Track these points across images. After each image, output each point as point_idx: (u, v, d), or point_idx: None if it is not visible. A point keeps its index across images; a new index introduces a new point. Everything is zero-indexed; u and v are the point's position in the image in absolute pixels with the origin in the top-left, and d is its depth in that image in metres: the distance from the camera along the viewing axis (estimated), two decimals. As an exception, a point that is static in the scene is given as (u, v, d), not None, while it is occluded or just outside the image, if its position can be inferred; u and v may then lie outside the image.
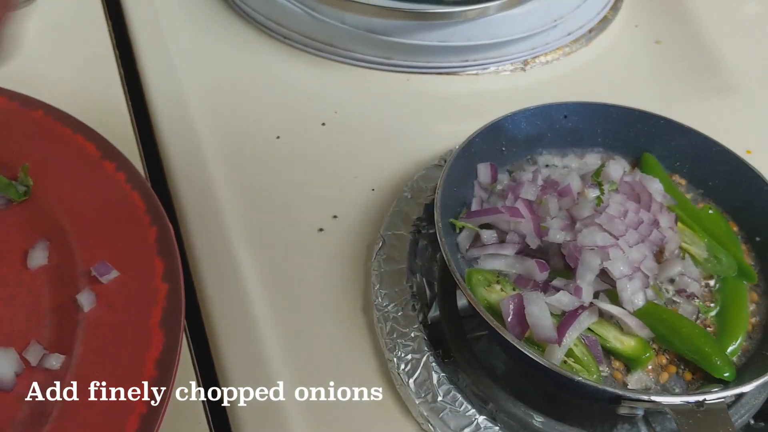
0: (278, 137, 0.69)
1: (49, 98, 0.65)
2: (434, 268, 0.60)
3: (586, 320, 0.51)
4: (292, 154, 0.68)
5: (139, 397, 0.47)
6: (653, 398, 0.46)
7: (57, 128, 0.62)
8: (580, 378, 0.47)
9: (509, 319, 0.50)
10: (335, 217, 0.63)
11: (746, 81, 0.80)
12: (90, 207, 0.57)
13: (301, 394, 0.52)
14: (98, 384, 0.47)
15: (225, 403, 0.52)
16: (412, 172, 0.66)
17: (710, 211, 0.60)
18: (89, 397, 0.47)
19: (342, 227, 0.62)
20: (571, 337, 0.50)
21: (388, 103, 0.74)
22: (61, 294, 0.53)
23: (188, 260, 0.59)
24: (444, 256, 0.52)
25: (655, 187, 0.57)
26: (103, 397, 0.47)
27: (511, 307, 0.51)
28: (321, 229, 0.62)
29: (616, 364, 0.51)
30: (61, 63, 0.74)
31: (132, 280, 0.53)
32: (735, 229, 0.60)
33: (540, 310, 0.50)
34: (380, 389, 0.53)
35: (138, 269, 0.53)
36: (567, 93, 0.75)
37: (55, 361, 0.49)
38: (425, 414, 0.50)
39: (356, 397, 0.52)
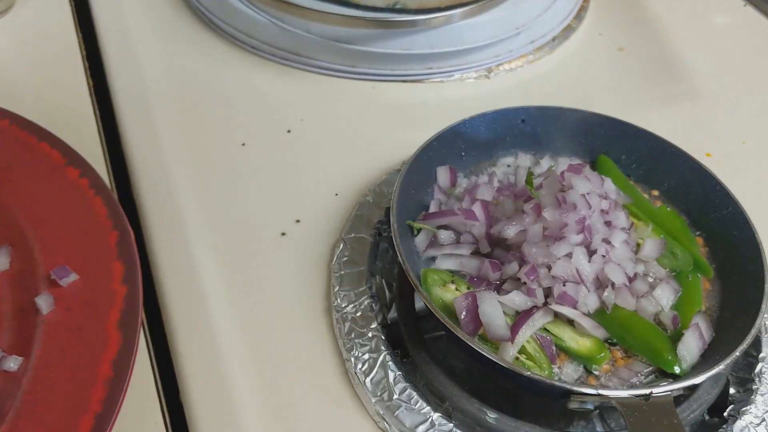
0: (243, 144, 0.70)
1: (17, 108, 0.65)
2: (394, 270, 0.61)
3: (540, 319, 0.52)
4: (257, 161, 0.69)
5: (94, 396, 0.47)
6: (600, 392, 0.46)
7: (23, 137, 0.63)
8: (529, 373, 0.47)
9: (463, 317, 0.51)
10: (298, 221, 0.64)
11: (706, 87, 0.81)
12: (53, 212, 0.58)
13: (259, 392, 0.53)
14: (55, 384, 0.48)
15: (182, 400, 0.52)
16: (376, 177, 0.67)
17: (667, 209, 0.61)
18: (45, 396, 0.47)
19: (305, 231, 0.63)
20: (524, 335, 0.51)
21: (353, 111, 0.75)
22: (22, 298, 0.53)
23: (150, 264, 0.59)
24: (398, 256, 0.53)
25: (608, 186, 0.58)
26: (59, 397, 0.47)
27: (465, 305, 0.52)
28: (284, 233, 0.63)
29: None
30: (31, 73, 0.75)
31: (91, 283, 0.53)
32: (690, 227, 0.61)
33: (493, 309, 0.51)
34: (338, 388, 0.53)
35: (97, 272, 0.54)
36: (531, 100, 0.76)
37: (13, 363, 0.49)
38: (381, 412, 0.51)
39: (314, 396, 0.53)
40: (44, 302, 0.52)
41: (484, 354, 0.48)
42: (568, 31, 0.85)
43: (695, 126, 0.77)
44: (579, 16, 0.87)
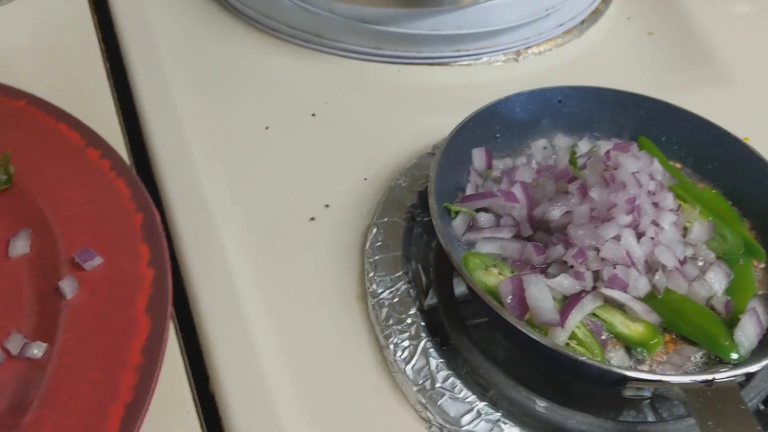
0: (267, 128, 0.67)
1: (34, 90, 0.63)
2: (429, 255, 0.58)
3: (589, 304, 0.49)
4: (281, 145, 0.66)
5: (123, 384, 0.44)
6: (662, 378, 0.44)
7: (40, 117, 0.60)
8: (584, 358, 0.45)
9: (509, 301, 0.49)
10: (327, 206, 0.61)
11: (739, 71, 0.79)
12: (73, 195, 0.55)
13: (294, 383, 0.50)
14: (81, 371, 0.45)
15: (213, 391, 0.50)
16: (405, 161, 0.65)
17: (713, 191, 0.59)
18: (71, 384, 0.45)
19: (334, 216, 0.61)
20: (574, 319, 0.48)
21: (378, 95, 0.73)
22: (43, 283, 0.51)
23: (174, 249, 0.57)
24: (440, 239, 0.51)
25: (656, 166, 0.55)
26: (86, 385, 0.45)
27: (510, 288, 0.49)
28: (313, 218, 0.60)
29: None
30: (46, 57, 0.72)
31: (116, 266, 0.51)
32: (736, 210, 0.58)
33: (541, 292, 0.49)
34: (376, 377, 0.51)
35: (122, 256, 0.51)
36: (560, 83, 0.73)
37: (37, 350, 0.47)
38: (423, 401, 0.48)
39: (351, 386, 0.50)
40: (68, 286, 0.49)
41: (536, 339, 0.45)
42: (596, 14, 0.83)
43: (730, 110, 0.74)
44: (606, -1, 0.85)
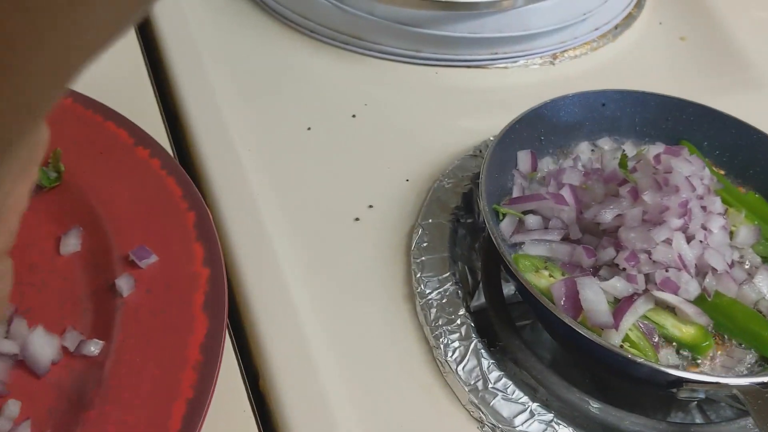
0: (309, 128, 0.68)
1: (76, 87, 0.63)
2: (473, 256, 0.59)
3: (642, 306, 0.50)
4: (323, 145, 0.67)
5: (184, 381, 0.45)
6: (719, 380, 0.44)
7: (87, 115, 0.61)
8: (642, 360, 0.45)
9: (562, 303, 0.49)
10: (371, 206, 0.62)
11: (774, 76, 0.79)
12: (124, 192, 0.56)
13: (345, 381, 0.51)
14: (142, 369, 0.46)
15: (265, 389, 0.50)
16: (446, 163, 0.65)
17: (756, 195, 0.59)
18: (131, 381, 0.45)
19: (378, 217, 0.61)
20: (627, 322, 0.49)
21: (417, 97, 0.73)
22: (97, 280, 0.51)
23: (224, 248, 0.57)
24: (494, 241, 0.51)
25: (705, 170, 0.55)
26: (147, 383, 0.45)
27: (564, 291, 0.50)
28: (357, 219, 0.61)
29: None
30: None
31: (171, 265, 0.51)
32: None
33: (595, 295, 0.49)
34: (427, 377, 0.51)
35: (177, 254, 0.52)
36: (596, 87, 0.73)
37: (94, 347, 0.47)
38: (475, 401, 0.49)
39: (402, 384, 0.51)
40: (125, 284, 0.49)
41: (593, 340, 0.46)
42: (630, 19, 0.83)
43: (764, 115, 0.75)
44: (639, 4, 0.85)
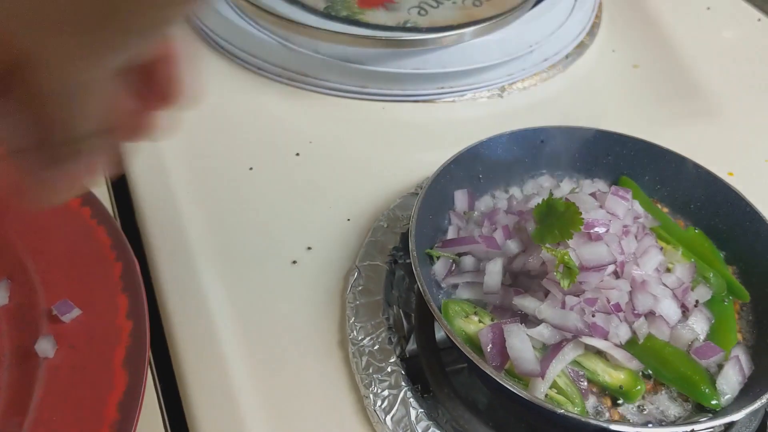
0: (251, 168, 0.67)
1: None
2: (411, 299, 0.58)
3: (570, 353, 0.49)
4: (265, 186, 0.66)
5: (99, 442, 0.44)
6: (640, 430, 0.44)
7: (21, 163, 0.60)
8: (562, 411, 0.44)
9: (489, 350, 0.49)
10: (309, 248, 0.61)
11: (724, 104, 0.79)
12: (54, 243, 0.55)
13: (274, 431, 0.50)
14: (58, 428, 0.45)
15: (193, 446, 0.49)
16: (389, 201, 0.65)
17: (695, 231, 0.59)
18: (47, 443, 0.44)
19: (316, 259, 0.61)
20: (555, 369, 0.48)
21: (363, 133, 0.73)
22: (22, 335, 0.51)
23: (156, 296, 0.57)
24: (420, 287, 0.51)
25: (637, 208, 0.55)
26: (62, 443, 0.44)
27: (490, 337, 0.49)
28: (294, 262, 0.60)
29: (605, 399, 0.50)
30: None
31: (95, 318, 0.51)
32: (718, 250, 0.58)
33: (521, 343, 0.48)
34: (357, 426, 0.50)
35: (102, 307, 0.51)
36: (546, 119, 0.73)
37: None
38: (403, 453, 0.48)
39: (331, 436, 0.50)
40: (45, 345, 0.49)
41: (515, 391, 0.45)
42: (581, 48, 0.83)
43: (714, 145, 0.74)
44: (591, 32, 0.85)
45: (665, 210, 0.62)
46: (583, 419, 0.44)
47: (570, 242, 0.51)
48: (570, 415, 0.44)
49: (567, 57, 0.81)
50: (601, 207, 0.54)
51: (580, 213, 0.50)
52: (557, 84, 0.80)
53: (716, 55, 0.86)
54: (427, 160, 0.67)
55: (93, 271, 0.53)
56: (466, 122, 0.74)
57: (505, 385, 0.45)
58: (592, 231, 0.51)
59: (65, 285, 0.53)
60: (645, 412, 0.48)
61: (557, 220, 0.51)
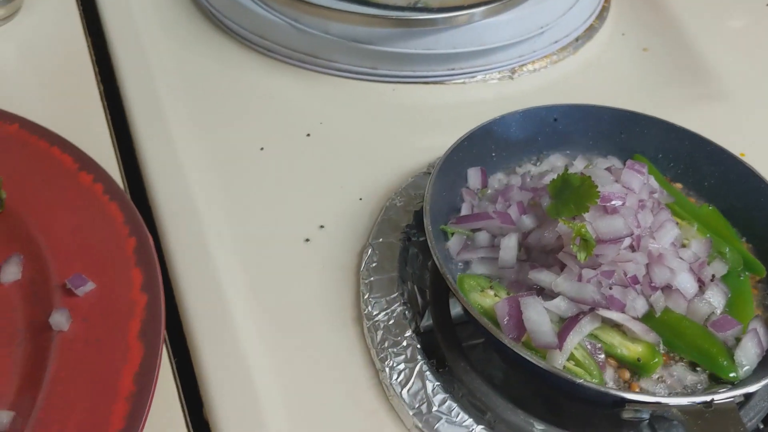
0: (262, 148, 0.67)
1: (26, 114, 0.63)
2: (425, 276, 0.58)
3: (587, 325, 0.49)
4: (276, 165, 0.66)
5: (116, 413, 0.44)
6: (659, 400, 0.43)
7: (33, 141, 0.60)
8: (581, 381, 0.44)
9: (505, 322, 0.48)
10: (322, 227, 0.61)
11: (734, 87, 0.79)
12: (66, 219, 0.55)
13: (290, 407, 0.50)
14: (73, 401, 0.45)
15: (207, 417, 0.49)
16: (400, 181, 0.64)
17: (709, 207, 0.58)
18: (62, 414, 0.44)
19: (329, 237, 0.60)
20: (572, 342, 0.48)
21: (374, 114, 0.72)
22: (35, 309, 0.51)
23: (168, 273, 0.56)
24: (435, 261, 0.50)
25: (653, 184, 0.55)
26: (77, 414, 0.44)
27: (507, 309, 0.49)
28: (307, 240, 0.60)
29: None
30: (39, 79, 0.72)
31: (109, 292, 0.50)
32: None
33: (538, 315, 0.48)
34: (372, 400, 0.50)
35: (115, 281, 0.51)
36: (555, 101, 0.72)
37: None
38: (419, 425, 0.48)
39: (347, 410, 0.50)
40: (59, 319, 0.48)
41: (533, 362, 0.45)
42: (591, 31, 0.83)
43: (725, 126, 0.74)
44: (601, 16, 0.85)
45: (678, 187, 0.61)
46: (602, 389, 0.44)
47: (586, 216, 0.50)
48: (588, 385, 0.44)
49: (577, 40, 0.81)
50: (616, 182, 0.53)
51: (596, 186, 0.50)
52: (567, 66, 0.79)
53: (725, 38, 0.85)
54: (438, 142, 0.67)
55: (106, 246, 0.53)
56: (476, 104, 0.74)
57: (523, 355, 0.45)
58: (608, 204, 0.51)
59: (78, 260, 0.52)
60: (663, 384, 0.48)
61: (573, 194, 0.51)
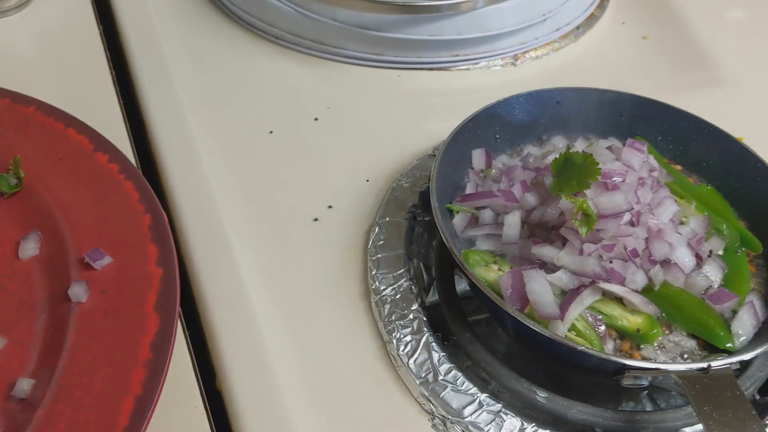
0: (271, 132, 0.69)
1: (42, 96, 0.64)
2: (430, 254, 0.59)
3: (589, 297, 0.50)
4: (285, 148, 0.68)
5: (135, 379, 0.46)
6: (658, 366, 0.45)
7: (49, 123, 0.62)
8: (583, 348, 0.46)
9: (509, 294, 0.50)
10: (330, 207, 0.63)
11: (732, 74, 0.80)
12: (83, 197, 0.57)
13: (300, 378, 0.51)
14: (94, 368, 0.46)
15: (220, 387, 0.51)
16: (406, 163, 0.66)
17: (708, 187, 0.60)
18: (83, 380, 0.46)
19: (337, 216, 0.62)
20: (573, 313, 0.49)
21: (380, 99, 0.74)
22: (54, 283, 0.52)
23: (182, 251, 0.58)
24: (442, 235, 0.52)
25: (652, 162, 0.56)
26: (98, 381, 0.46)
27: (510, 282, 0.50)
28: (316, 219, 0.62)
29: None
30: (52, 65, 0.74)
31: (126, 266, 0.52)
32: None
33: (541, 287, 0.50)
34: (380, 371, 0.52)
35: (132, 255, 0.52)
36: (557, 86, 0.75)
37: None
38: (426, 394, 0.50)
39: (356, 380, 0.52)
40: (78, 290, 0.50)
41: (536, 330, 0.46)
42: (592, 19, 0.84)
43: (723, 112, 0.75)
44: (602, 5, 0.86)
45: (678, 169, 0.63)
46: (603, 355, 0.46)
47: (587, 192, 0.52)
48: (590, 351, 0.46)
49: (578, 28, 0.82)
50: (617, 159, 0.55)
51: (597, 164, 0.52)
52: (569, 54, 0.81)
53: (724, 27, 0.87)
54: (442, 126, 0.68)
55: (122, 222, 0.54)
56: (480, 90, 0.76)
57: (526, 323, 0.47)
58: (608, 181, 0.52)
59: (95, 236, 0.54)
60: (662, 351, 0.50)
61: (575, 171, 0.53)
